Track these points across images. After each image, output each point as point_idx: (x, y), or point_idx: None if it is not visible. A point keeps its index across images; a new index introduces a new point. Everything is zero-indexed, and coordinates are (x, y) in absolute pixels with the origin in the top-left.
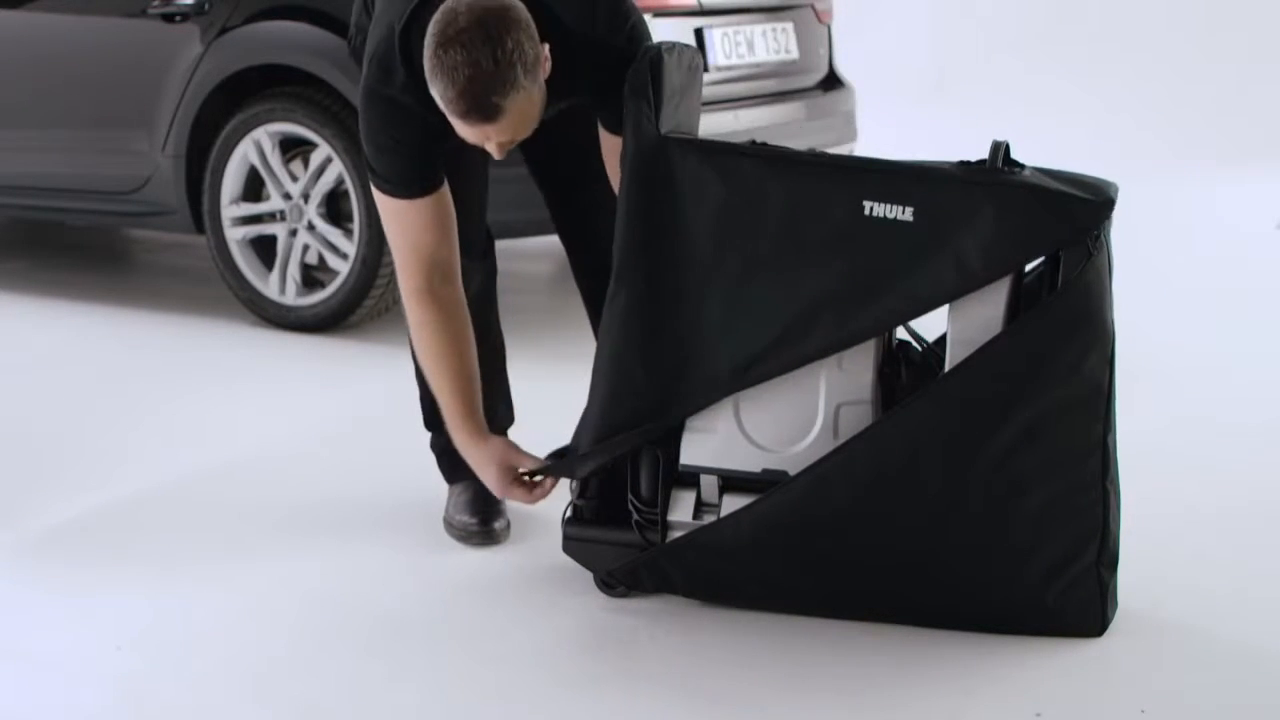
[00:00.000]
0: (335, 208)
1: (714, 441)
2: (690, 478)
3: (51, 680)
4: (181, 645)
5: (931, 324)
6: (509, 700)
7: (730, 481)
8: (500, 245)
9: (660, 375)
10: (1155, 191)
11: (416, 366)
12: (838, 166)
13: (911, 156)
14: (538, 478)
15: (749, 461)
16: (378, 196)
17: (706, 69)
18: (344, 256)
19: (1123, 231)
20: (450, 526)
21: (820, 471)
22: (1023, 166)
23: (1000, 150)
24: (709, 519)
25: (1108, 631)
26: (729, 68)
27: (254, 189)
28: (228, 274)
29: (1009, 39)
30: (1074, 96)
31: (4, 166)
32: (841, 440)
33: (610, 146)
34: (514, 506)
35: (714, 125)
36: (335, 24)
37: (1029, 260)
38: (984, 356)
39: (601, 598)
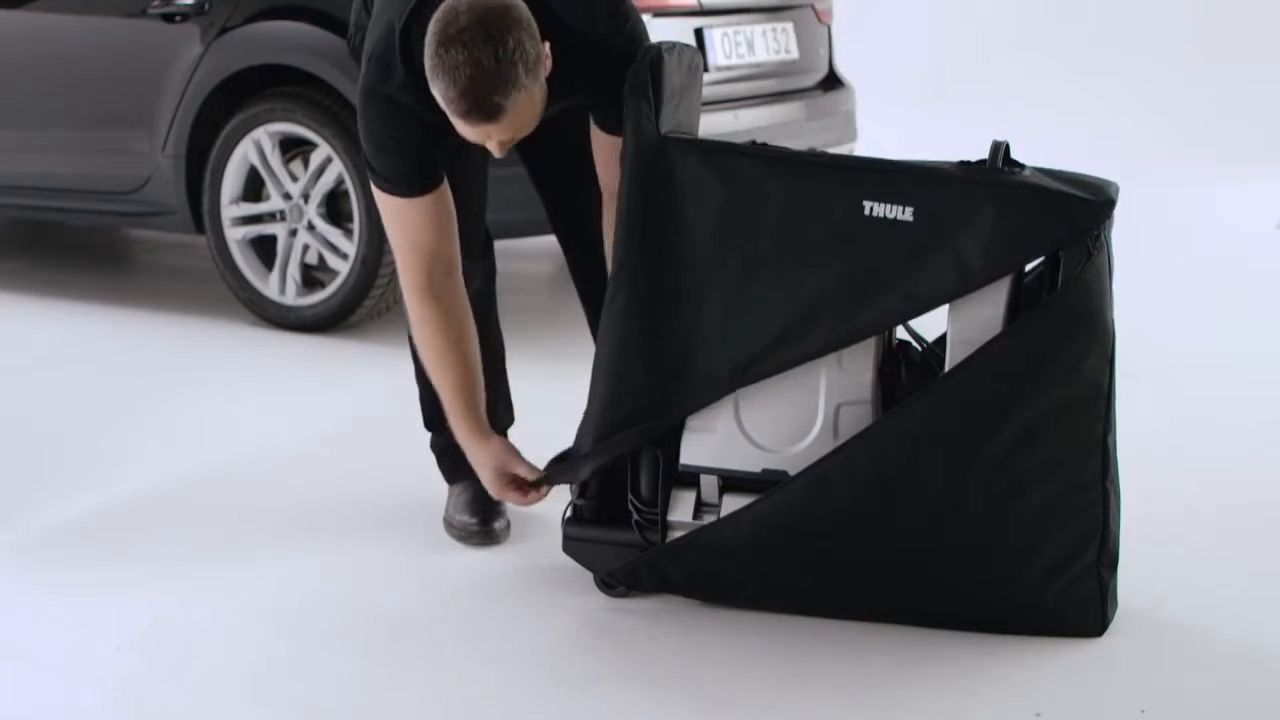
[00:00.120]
0: (335, 208)
1: (714, 441)
2: (690, 478)
3: (51, 680)
4: (181, 645)
5: (931, 324)
6: (509, 700)
7: (730, 481)
8: (500, 245)
9: (660, 375)
10: (1155, 191)
11: (416, 366)
12: (838, 166)
13: (911, 156)
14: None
15: (749, 461)
16: (378, 195)
17: (706, 69)
18: (344, 256)
19: (1123, 231)
20: (450, 526)
21: (820, 471)
22: (1023, 166)
23: (1000, 150)
24: (709, 519)
25: (1108, 631)
26: (729, 68)
27: (254, 189)
28: (228, 274)
29: (1009, 39)
30: (1074, 96)
31: (4, 166)
32: (841, 440)
33: (602, 146)
34: (514, 506)
35: (714, 125)
36: (335, 24)
37: (1029, 260)
38: (984, 356)
39: (601, 598)
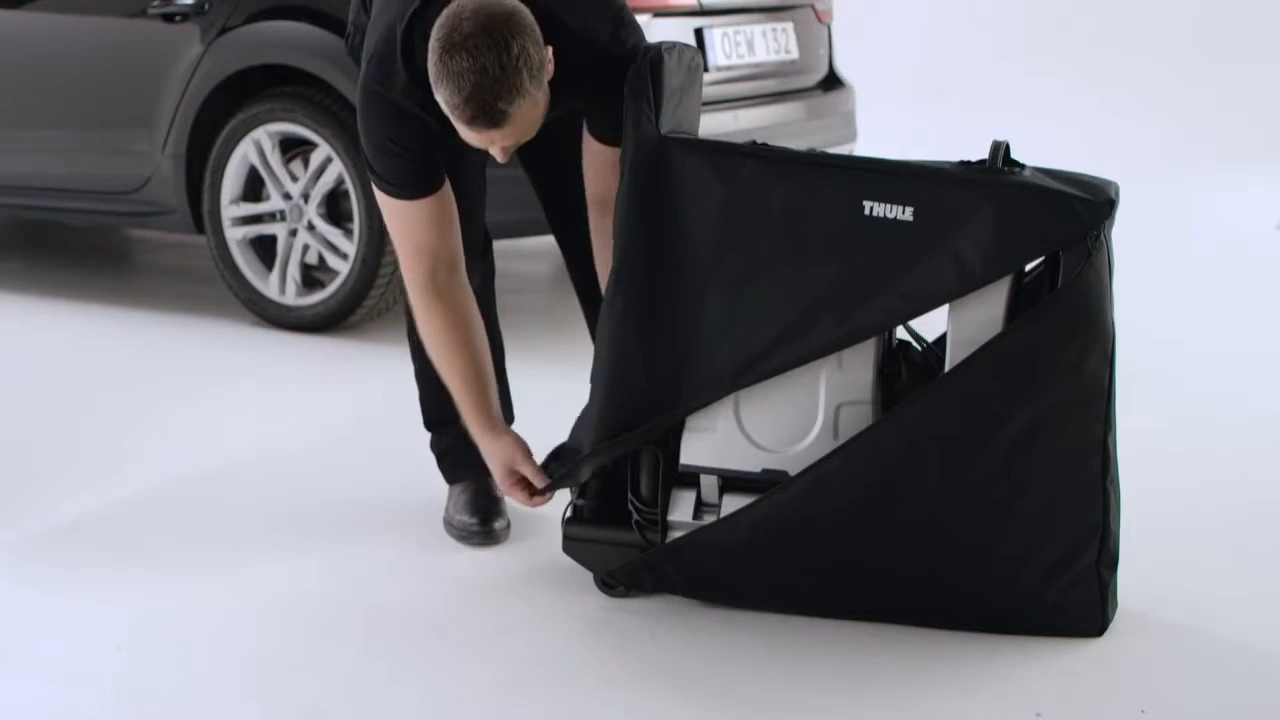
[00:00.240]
0: (335, 208)
1: (714, 441)
2: (690, 478)
3: (51, 680)
4: (181, 645)
5: (931, 324)
6: (509, 700)
7: (730, 481)
8: (499, 245)
9: (660, 375)
10: (1155, 191)
11: (416, 366)
12: (838, 166)
13: (911, 156)
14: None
15: (749, 461)
16: (380, 197)
17: (706, 69)
18: (344, 256)
19: (1123, 231)
20: (450, 526)
21: (820, 471)
22: (1023, 166)
23: (1000, 150)
24: (709, 519)
25: (1108, 631)
26: (729, 68)
27: (254, 189)
28: (228, 274)
29: (1009, 39)
30: (1074, 96)
31: (4, 166)
32: (841, 440)
33: (593, 154)
34: (514, 506)
35: (714, 125)
36: (335, 24)
37: (1029, 260)
38: (984, 356)
39: (601, 598)
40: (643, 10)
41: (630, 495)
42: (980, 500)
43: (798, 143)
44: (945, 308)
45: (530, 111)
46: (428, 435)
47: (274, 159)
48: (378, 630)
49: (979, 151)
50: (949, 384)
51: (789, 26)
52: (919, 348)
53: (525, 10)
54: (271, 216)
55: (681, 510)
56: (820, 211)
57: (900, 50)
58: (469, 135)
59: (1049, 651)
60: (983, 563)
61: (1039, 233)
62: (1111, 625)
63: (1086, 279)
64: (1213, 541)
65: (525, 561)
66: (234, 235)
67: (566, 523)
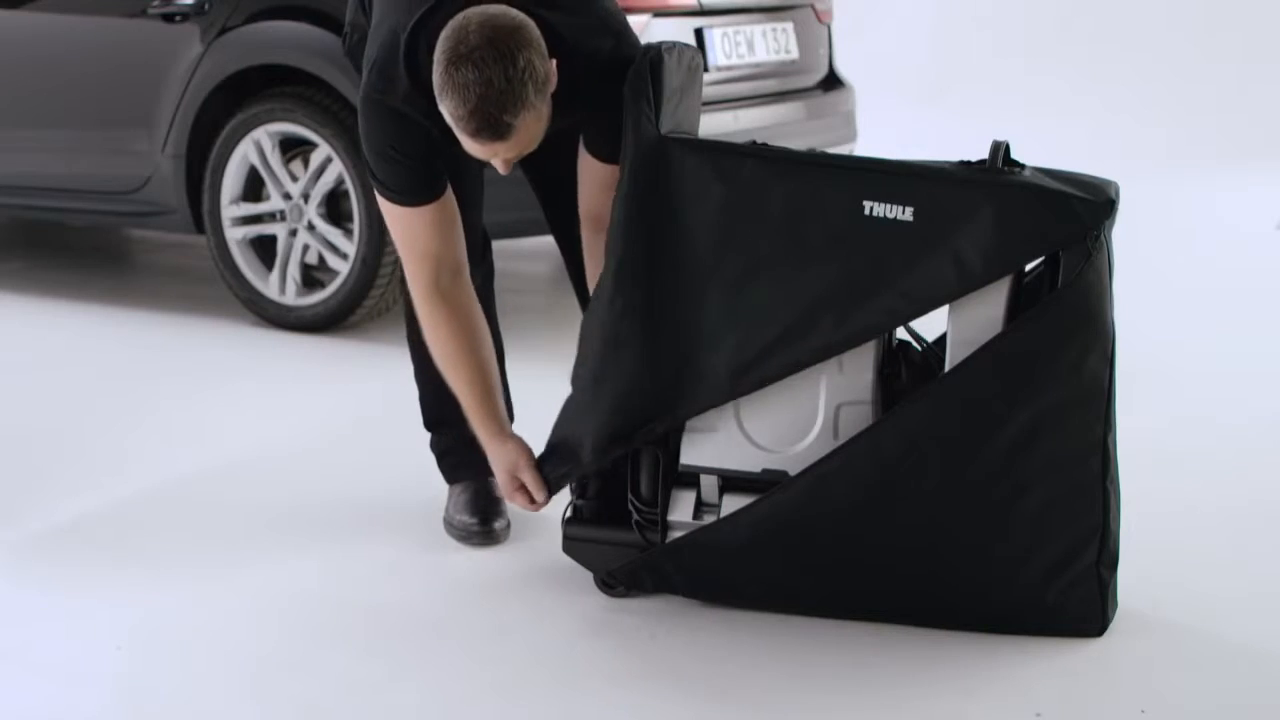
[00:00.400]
0: (335, 208)
1: (714, 441)
2: (690, 478)
3: (51, 680)
4: (181, 645)
5: (931, 324)
6: (508, 700)
7: (730, 481)
8: (498, 245)
9: (664, 376)
10: (1155, 191)
11: (416, 366)
12: (838, 166)
13: (911, 156)
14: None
15: (749, 461)
16: (382, 203)
17: (706, 69)
18: (344, 256)
19: (1123, 231)
20: (450, 526)
21: (820, 472)
22: (1023, 166)
23: (1000, 150)
24: (709, 519)
25: (1108, 631)
26: (729, 68)
27: (254, 189)
28: (228, 274)
29: (1009, 39)
30: (1074, 96)
31: (4, 166)
32: (841, 440)
33: (588, 171)
34: (514, 507)
35: (714, 125)
36: (335, 24)
37: (1029, 260)
38: (984, 356)
39: (601, 598)
40: (643, 10)
41: (630, 495)
42: (980, 500)
43: (798, 143)
44: (945, 308)
45: (534, 125)
46: (428, 435)
47: (274, 159)
48: (378, 630)
49: (979, 151)
50: (949, 384)
51: (789, 26)
52: (919, 348)
53: (531, 23)
54: (271, 216)
55: (681, 510)
56: (820, 211)
57: (900, 50)
58: (472, 147)
59: (1049, 651)
60: (983, 563)
61: (1039, 233)
62: (1111, 625)
63: (1086, 279)
64: (1213, 541)
65: (525, 561)
66: (234, 235)
67: (566, 523)
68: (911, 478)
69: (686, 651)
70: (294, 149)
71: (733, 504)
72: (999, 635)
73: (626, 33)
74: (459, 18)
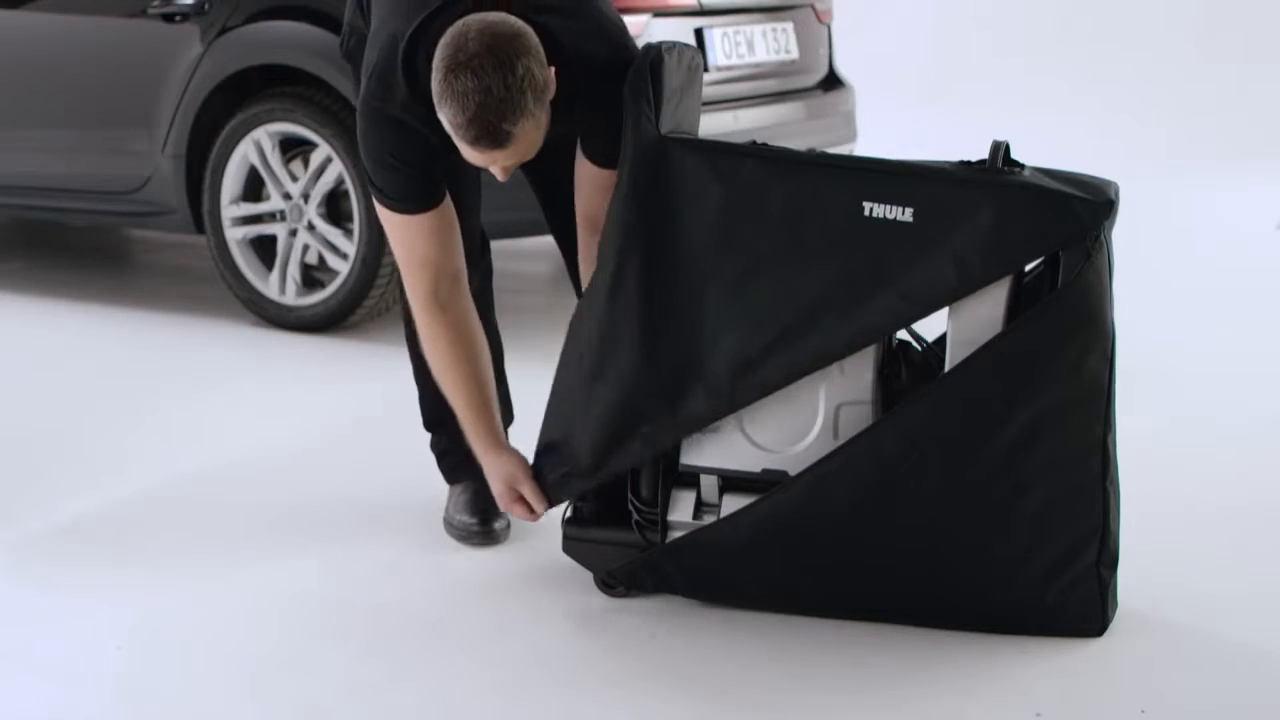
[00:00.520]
0: (335, 208)
1: (714, 441)
2: (690, 478)
3: (51, 680)
4: (180, 645)
5: (931, 324)
6: (508, 700)
7: (730, 481)
8: (498, 245)
9: (665, 377)
10: (1155, 191)
11: (415, 366)
12: (838, 166)
13: (911, 156)
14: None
15: (749, 461)
16: (381, 211)
17: (706, 69)
18: (344, 256)
19: (1123, 231)
20: (450, 526)
21: (820, 472)
22: (1023, 166)
23: (1000, 150)
24: (709, 519)
25: (1108, 631)
26: (729, 68)
27: (254, 189)
28: (228, 274)
29: (1009, 39)
30: (1074, 96)
31: (4, 166)
32: (841, 440)
33: (585, 176)
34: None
35: (714, 125)
36: (335, 24)
37: (1029, 260)
38: (984, 356)
39: (601, 598)
40: (643, 10)
41: (630, 495)
42: (980, 500)
43: (798, 143)
44: (945, 308)
45: (533, 132)
46: (428, 435)
47: (274, 159)
48: (378, 630)
49: (979, 151)
50: (949, 384)
51: (789, 26)
52: (919, 348)
53: (529, 31)
54: (271, 216)
55: (681, 510)
56: (820, 212)
57: (900, 50)
58: (471, 155)
59: (1049, 651)
60: (983, 563)
61: (1039, 233)
62: (1111, 625)
63: (1086, 279)
64: (1213, 541)
65: (525, 561)
66: (234, 235)
67: (566, 523)
68: (911, 478)
69: (686, 651)
70: (294, 149)
71: (733, 504)
72: (999, 635)
73: (624, 38)
74: (458, 25)
